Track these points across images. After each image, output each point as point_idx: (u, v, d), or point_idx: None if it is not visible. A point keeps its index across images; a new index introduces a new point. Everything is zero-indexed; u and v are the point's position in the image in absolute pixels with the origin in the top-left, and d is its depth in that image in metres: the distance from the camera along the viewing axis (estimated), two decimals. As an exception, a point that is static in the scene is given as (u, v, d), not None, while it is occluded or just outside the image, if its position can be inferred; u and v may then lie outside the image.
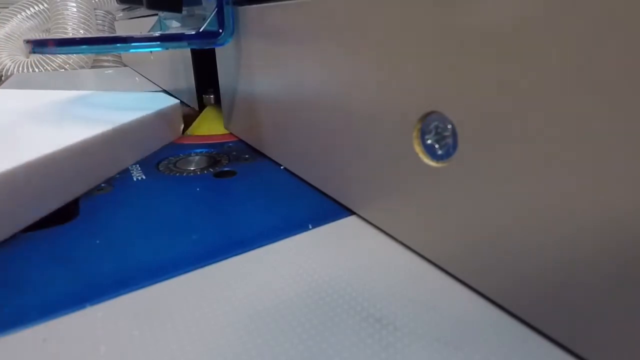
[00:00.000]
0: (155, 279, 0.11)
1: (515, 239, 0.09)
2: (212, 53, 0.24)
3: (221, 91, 0.24)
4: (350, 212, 0.14)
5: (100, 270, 0.11)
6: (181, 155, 0.21)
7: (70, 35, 0.54)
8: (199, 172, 0.19)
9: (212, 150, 0.22)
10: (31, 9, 0.60)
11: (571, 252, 0.08)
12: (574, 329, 0.08)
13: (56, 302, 0.10)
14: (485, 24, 0.08)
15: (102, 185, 0.17)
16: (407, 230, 0.12)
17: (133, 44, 0.19)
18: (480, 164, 0.09)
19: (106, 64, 0.61)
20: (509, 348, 0.09)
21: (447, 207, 0.10)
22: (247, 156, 0.21)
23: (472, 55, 0.09)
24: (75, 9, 0.56)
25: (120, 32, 0.56)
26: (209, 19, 0.19)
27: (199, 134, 0.25)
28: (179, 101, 0.24)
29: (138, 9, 0.41)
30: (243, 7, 0.19)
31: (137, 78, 0.46)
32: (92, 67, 0.59)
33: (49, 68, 0.55)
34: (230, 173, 0.19)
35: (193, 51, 0.28)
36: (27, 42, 0.19)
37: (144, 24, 0.38)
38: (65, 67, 0.56)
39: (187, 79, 0.30)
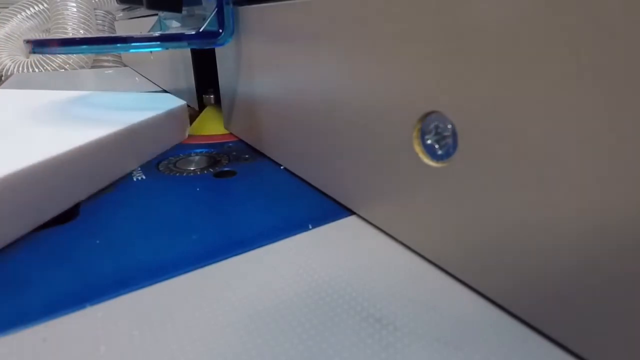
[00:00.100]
0: (155, 279, 0.11)
1: (515, 239, 0.09)
2: (212, 53, 0.24)
3: (221, 91, 0.24)
4: (350, 212, 0.14)
5: (100, 270, 0.11)
6: (181, 155, 0.21)
7: (70, 35, 0.54)
8: (199, 172, 0.19)
9: (212, 150, 0.22)
10: (31, 9, 0.60)
11: (571, 252, 0.08)
12: (574, 329, 0.08)
13: (56, 302, 0.10)
14: (485, 23, 0.08)
15: (103, 185, 0.17)
16: (407, 230, 0.12)
17: (133, 44, 0.19)
18: (480, 164, 0.09)
19: (106, 64, 0.61)
20: (509, 348, 0.09)
21: (447, 207, 0.10)
22: (247, 156, 0.21)
23: (471, 56, 0.09)
24: (75, 9, 0.56)
25: (120, 32, 0.56)
26: (209, 19, 0.19)
27: (199, 134, 0.25)
28: (185, 102, 0.24)
29: (138, 9, 0.41)
30: (243, 7, 0.19)
31: (137, 78, 0.46)
32: (92, 67, 0.59)
33: (49, 68, 0.55)
34: (230, 173, 0.19)
35: (193, 51, 0.28)
36: (27, 42, 0.19)
37: (144, 24, 0.38)
38: (65, 67, 0.56)
39: (187, 79, 0.30)
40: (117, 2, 0.27)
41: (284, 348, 0.09)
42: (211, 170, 0.19)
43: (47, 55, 0.55)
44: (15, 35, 0.58)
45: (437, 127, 0.10)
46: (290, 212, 0.15)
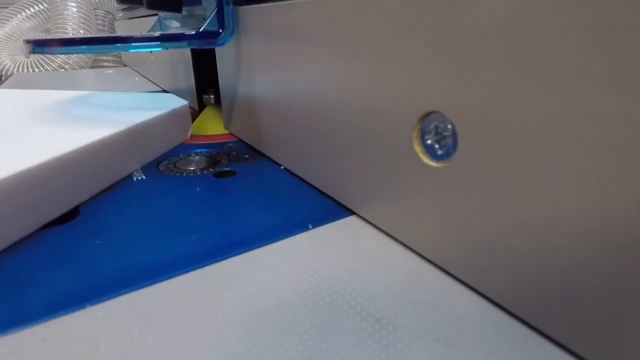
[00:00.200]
0: (155, 279, 0.11)
1: (515, 238, 0.09)
2: (212, 53, 0.24)
3: (221, 91, 0.24)
4: (350, 212, 0.14)
5: (100, 270, 0.11)
6: (181, 155, 0.21)
7: (70, 35, 0.54)
8: (199, 172, 0.19)
9: (212, 150, 0.22)
10: (31, 9, 0.60)
11: (571, 252, 0.08)
12: (574, 329, 0.08)
13: (56, 302, 0.10)
14: (485, 23, 0.08)
15: (102, 185, 0.17)
16: (407, 230, 0.12)
17: (133, 44, 0.19)
18: (480, 164, 0.09)
19: (106, 64, 0.61)
20: (509, 348, 0.09)
21: (447, 207, 0.10)
22: (247, 156, 0.21)
23: (471, 55, 0.09)
24: (75, 9, 0.56)
25: (120, 32, 0.56)
26: (209, 19, 0.19)
27: (199, 134, 0.25)
28: (187, 102, 0.24)
29: (138, 9, 0.41)
30: (243, 7, 0.19)
31: (137, 78, 0.46)
32: (92, 67, 0.59)
33: (49, 68, 0.55)
34: (230, 173, 0.19)
35: (193, 51, 0.28)
36: (27, 42, 0.19)
37: (144, 24, 0.38)
38: (65, 67, 0.56)
39: (187, 79, 0.30)
40: (117, 2, 0.27)
41: (284, 348, 0.09)
42: (211, 170, 0.19)
43: (47, 55, 0.55)
44: (15, 35, 0.58)
45: (437, 127, 0.10)
46: (290, 212, 0.15)
